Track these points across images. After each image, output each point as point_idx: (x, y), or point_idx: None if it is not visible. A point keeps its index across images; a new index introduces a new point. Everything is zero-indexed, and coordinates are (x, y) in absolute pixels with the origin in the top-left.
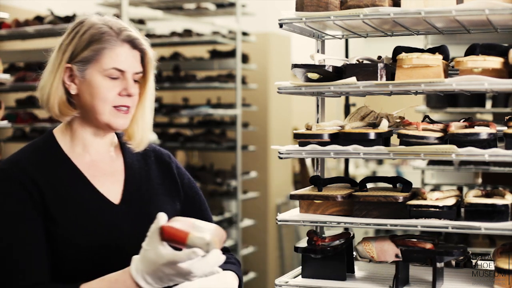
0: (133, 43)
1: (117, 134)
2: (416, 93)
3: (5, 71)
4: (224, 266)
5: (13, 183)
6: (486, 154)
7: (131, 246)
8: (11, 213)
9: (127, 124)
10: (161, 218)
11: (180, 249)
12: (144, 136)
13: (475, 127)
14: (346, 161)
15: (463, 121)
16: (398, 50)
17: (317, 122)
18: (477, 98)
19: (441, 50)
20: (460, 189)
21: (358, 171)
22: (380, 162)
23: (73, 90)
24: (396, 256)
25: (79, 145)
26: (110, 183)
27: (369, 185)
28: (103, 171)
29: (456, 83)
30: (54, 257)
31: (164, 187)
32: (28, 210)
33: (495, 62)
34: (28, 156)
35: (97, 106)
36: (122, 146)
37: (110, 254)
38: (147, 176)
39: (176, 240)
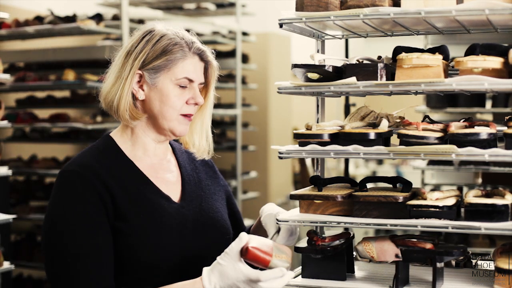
0: (201, 55)
1: None
2: (416, 93)
3: (5, 71)
4: None
5: (88, 187)
6: (486, 154)
7: (192, 241)
8: (85, 217)
9: (187, 131)
10: (244, 238)
11: (256, 267)
12: (205, 143)
13: (475, 127)
14: (346, 161)
15: (463, 121)
16: (398, 50)
17: (317, 122)
18: (477, 98)
19: (441, 50)
20: (460, 189)
21: (358, 171)
22: (380, 162)
23: (141, 96)
24: (396, 256)
25: (140, 149)
26: (170, 183)
27: (369, 185)
28: (162, 172)
29: (456, 83)
30: (120, 260)
31: (213, 188)
32: (100, 215)
33: (495, 62)
34: (96, 159)
35: (166, 112)
36: (173, 150)
37: (174, 248)
38: (198, 177)
39: (259, 262)
